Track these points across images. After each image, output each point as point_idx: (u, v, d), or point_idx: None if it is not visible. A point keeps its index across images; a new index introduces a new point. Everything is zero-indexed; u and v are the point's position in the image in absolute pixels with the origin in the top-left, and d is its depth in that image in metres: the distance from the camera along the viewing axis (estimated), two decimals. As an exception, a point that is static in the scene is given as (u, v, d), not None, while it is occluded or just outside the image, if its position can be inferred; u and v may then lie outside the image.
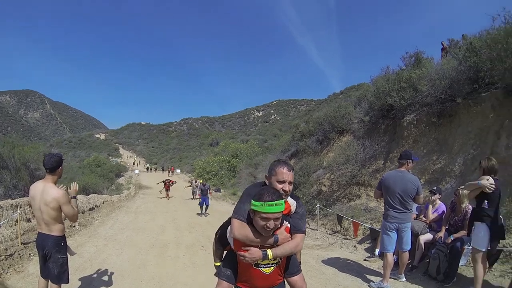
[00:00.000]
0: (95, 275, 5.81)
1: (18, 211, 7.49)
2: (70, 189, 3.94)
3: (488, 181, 4.29)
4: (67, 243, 3.89)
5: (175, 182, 24.59)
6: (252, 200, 2.18)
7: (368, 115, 11.89)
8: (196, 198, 20.15)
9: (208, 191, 15.05)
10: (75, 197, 3.87)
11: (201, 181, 20.41)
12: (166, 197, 21.89)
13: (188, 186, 23.33)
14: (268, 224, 2.12)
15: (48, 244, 3.65)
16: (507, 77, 6.60)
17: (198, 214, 14.25)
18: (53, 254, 3.66)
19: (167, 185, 22.30)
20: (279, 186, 2.33)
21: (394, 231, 5.09)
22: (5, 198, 9.18)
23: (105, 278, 5.69)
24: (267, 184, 2.44)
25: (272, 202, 2.09)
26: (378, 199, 7.75)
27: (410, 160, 5.11)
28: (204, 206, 14.40)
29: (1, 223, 6.99)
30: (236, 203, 2.50)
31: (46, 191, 3.58)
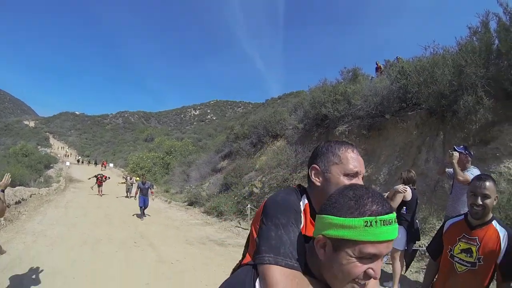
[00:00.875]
0: (25, 274, 5.43)
1: None
2: None
3: (402, 187, 4.81)
4: None
5: (109, 177, 22.37)
6: (330, 217, 0.94)
7: (302, 123, 12.34)
8: (131, 196, 18.49)
9: (150, 190, 12.74)
10: (2, 191, 3.50)
11: (137, 178, 19.38)
12: (98, 193, 19.80)
13: (123, 182, 21.46)
14: (373, 269, 0.91)
15: None
16: (431, 100, 7.36)
17: (138, 215, 12.33)
18: None
19: (100, 180, 20.32)
20: (347, 182, 1.22)
21: None
22: None
23: (36, 276, 5.35)
24: (319, 181, 1.28)
25: (388, 217, 0.90)
26: None
27: None
28: (143, 208, 12.36)
29: None
30: (262, 227, 1.14)
31: None
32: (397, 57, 12.23)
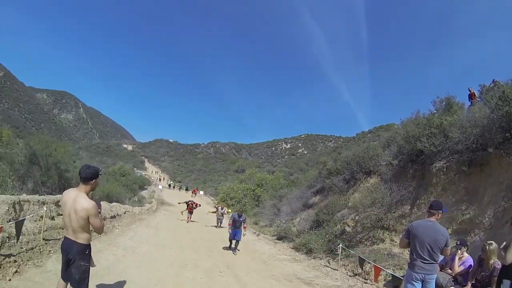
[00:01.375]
0: (112, 284, 5.91)
1: (44, 208, 7.84)
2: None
3: None
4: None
5: (199, 205, 22.02)
6: None
7: (396, 159, 11.81)
8: (221, 227, 18.59)
9: (243, 224, 11.81)
10: (99, 212, 3.88)
11: (229, 210, 19.39)
12: (187, 220, 19.58)
13: (213, 212, 21.14)
14: None
15: (73, 251, 3.74)
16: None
17: (226, 248, 11.91)
18: (76, 260, 3.75)
19: (191, 207, 19.92)
20: None
21: (419, 282, 4.88)
22: (33, 193, 9.52)
23: None
24: None
25: None
26: (403, 248, 7.55)
27: (441, 211, 4.94)
28: (234, 241, 11.68)
29: (27, 216, 7.26)
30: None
31: (77, 200, 3.65)
32: (493, 80, 11.21)
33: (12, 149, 12.22)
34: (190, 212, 19.78)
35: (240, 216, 11.80)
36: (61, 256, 3.93)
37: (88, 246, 3.88)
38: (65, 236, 3.84)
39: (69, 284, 3.91)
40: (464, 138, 8.74)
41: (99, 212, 3.87)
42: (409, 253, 5.19)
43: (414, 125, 11.09)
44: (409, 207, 9.94)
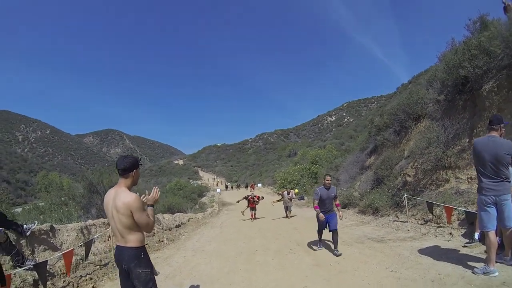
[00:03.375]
0: (184, 281, 6.07)
1: (110, 228, 8.19)
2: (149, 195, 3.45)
3: None
4: (152, 261, 3.46)
5: (262, 197, 18.25)
6: None
7: (442, 94, 11.13)
8: (291, 216, 16.13)
9: (335, 200, 7.91)
10: (152, 206, 3.37)
11: (296, 190, 17.23)
12: (251, 218, 16.76)
13: (278, 200, 17.72)
14: None
15: (125, 258, 3.18)
16: None
17: (314, 244, 8.44)
18: (132, 269, 3.18)
19: (252, 202, 16.84)
20: None
21: (492, 206, 4.52)
22: (98, 218, 10.12)
23: (195, 284, 5.88)
24: None
25: None
26: None
27: (503, 125, 4.60)
28: (327, 231, 7.70)
29: (95, 237, 7.70)
30: None
31: (117, 197, 3.16)
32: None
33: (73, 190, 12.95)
34: (253, 208, 16.91)
35: (328, 188, 7.68)
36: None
37: (142, 249, 3.28)
38: (116, 245, 3.36)
39: None
40: (508, 50, 7.99)
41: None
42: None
43: (452, 54, 10.38)
44: (467, 139, 9.32)
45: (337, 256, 6.94)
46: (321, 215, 7.49)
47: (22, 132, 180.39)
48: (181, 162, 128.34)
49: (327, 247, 7.99)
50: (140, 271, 3.20)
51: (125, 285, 3.31)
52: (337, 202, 8.06)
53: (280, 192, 18.60)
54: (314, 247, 8.15)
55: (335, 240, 7.33)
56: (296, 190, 17.57)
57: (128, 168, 3.23)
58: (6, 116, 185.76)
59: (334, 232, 7.40)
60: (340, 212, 7.90)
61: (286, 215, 16.31)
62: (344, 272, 5.78)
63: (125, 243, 3.20)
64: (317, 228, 8.07)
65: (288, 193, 16.51)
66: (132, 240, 3.20)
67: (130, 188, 3.26)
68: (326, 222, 7.56)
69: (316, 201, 7.70)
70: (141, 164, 3.45)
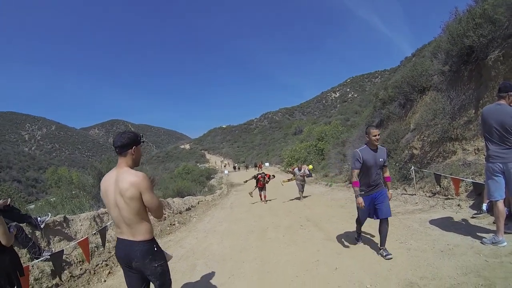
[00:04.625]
0: (198, 261, 6.22)
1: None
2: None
3: None
4: (164, 245, 2.83)
5: (273, 176, 16.02)
6: None
7: (447, 65, 10.99)
8: (305, 197, 14.32)
9: (383, 173, 5.34)
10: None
11: (310, 166, 15.29)
12: (261, 200, 15.08)
13: (290, 179, 16.35)
14: None
15: (137, 254, 2.73)
16: None
17: (355, 241, 6.01)
18: (147, 265, 2.77)
19: (261, 182, 14.90)
20: None
21: (499, 174, 4.48)
22: None
23: (208, 262, 6.05)
24: None
25: None
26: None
27: (511, 92, 4.50)
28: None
29: (108, 224, 7.81)
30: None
31: (120, 178, 2.69)
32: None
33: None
34: (262, 188, 14.96)
35: (376, 150, 5.08)
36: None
37: (153, 241, 2.85)
38: (118, 239, 2.86)
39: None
40: (513, 18, 7.86)
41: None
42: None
43: (456, 23, 10.20)
44: (473, 111, 9.25)
45: (385, 258, 4.86)
46: (360, 200, 5.05)
47: (28, 131, 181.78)
48: (187, 146, 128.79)
49: (337, 223, 8.09)
50: (156, 265, 2.80)
51: (134, 281, 2.89)
52: (387, 173, 5.37)
53: (291, 169, 15.91)
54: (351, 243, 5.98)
55: (382, 234, 5.07)
56: (310, 166, 15.59)
57: (127, 144, 2.78)
58: (11, 116, 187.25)
59: (384, 222, 5.03)
60: (390, 191, 5.31)
61: (300, 195, 14.23)
62: (355, 245, 5.87)
63: (133, 236, 2.73)
64: (356, 217, 5.79)
65: (300, 170, 14.21)
66: (142, 231, 2.74)
67: (132, 168, 2.82)
68: (369, 210, 5.21)
69: (356, 172, 5.04)
70: (143, 141, 2.98)
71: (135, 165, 2.85)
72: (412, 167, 10.02)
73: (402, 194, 10.19)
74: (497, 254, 4.31)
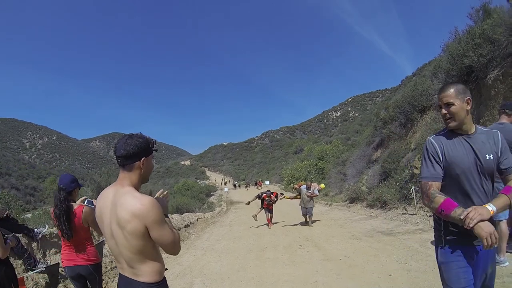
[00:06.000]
0: (195, 280, 6.11)
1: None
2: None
3: None
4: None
5: (282, 194, 14.24)
6: None
7: (447, 84, 11.06)
8: (314, 221, 11.81)
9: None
10: (166, 216, 2.09)
11: (322, 186, 13.53)
12: (267, 223, 12.60)
13: (295, 197, 13.46)
14: None
15: None
16: None
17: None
18: None
19: (267, 202, 12.40)
20: None
21: None
22: None
23: (205, 281, 5.94)
24: None
25: None
26: None
27: None
28: None
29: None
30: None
31: (120, 202, 1.84)
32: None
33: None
34: (269, 210, 12.52)
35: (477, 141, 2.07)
36: None
37: (162, 285, 1.99)
38: (119, 274, 2.02)
39: None
40: (512, 38, 7.95)
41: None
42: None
43: (456, 43, 10.32)
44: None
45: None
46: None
47: (29, 139, 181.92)
48: (188, 162, 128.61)
49: (336, 243, 7.97)
50: None
51: None
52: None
53: (297, 186, 12.66)
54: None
55: None
56: (322, 185, 13.50)
57: (134, 153, 1.90)
58: (13, 124, 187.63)
59: None
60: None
61: (306, 220, 11.82)
62: (354, 266, 5.78)
63: (135, 275, 1.91)
64: None
65: (309, 188, 11.64)
66: (147, 272, 1.91)
67: (139, 188, 1.97)
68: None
69: (435, 186, 2.05)
70: (155, 150, 2.13)
71: (143, 182, 2.03)
72: (413, 187, 9.96)
73: (402, 213, 10.10)
74: (499, 274, 4.22)
